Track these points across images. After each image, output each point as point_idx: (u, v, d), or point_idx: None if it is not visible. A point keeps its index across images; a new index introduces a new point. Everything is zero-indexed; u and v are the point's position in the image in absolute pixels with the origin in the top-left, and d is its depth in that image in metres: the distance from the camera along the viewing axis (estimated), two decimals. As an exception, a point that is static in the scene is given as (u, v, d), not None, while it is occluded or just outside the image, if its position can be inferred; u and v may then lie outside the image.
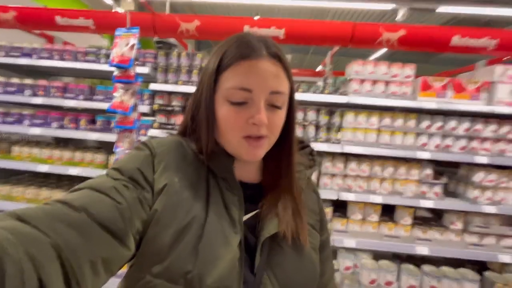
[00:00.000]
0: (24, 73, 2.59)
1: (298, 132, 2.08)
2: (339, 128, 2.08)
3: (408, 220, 2.01)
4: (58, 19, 2.26)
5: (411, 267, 1.94)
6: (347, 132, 2.04)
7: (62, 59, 2.22)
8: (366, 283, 1.90)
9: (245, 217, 0.58)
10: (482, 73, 2.14)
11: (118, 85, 1.66)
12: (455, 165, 2.23)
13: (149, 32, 2.28)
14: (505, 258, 1.89)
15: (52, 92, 2.23)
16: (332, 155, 2.11)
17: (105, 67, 2.13)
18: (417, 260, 2.07)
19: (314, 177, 2.06)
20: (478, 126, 1.98)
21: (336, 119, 2.09)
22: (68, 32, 2.41)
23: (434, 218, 2.19)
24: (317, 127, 2.11)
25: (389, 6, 3.91)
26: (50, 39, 3.26)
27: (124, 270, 0.55)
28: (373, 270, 1.89)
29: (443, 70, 5.34)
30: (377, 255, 2.07)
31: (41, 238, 0.37)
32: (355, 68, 2.07)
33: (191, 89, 1.92)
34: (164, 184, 0.54)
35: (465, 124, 1.98)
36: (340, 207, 2.14)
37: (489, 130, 1.97)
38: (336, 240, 1.97)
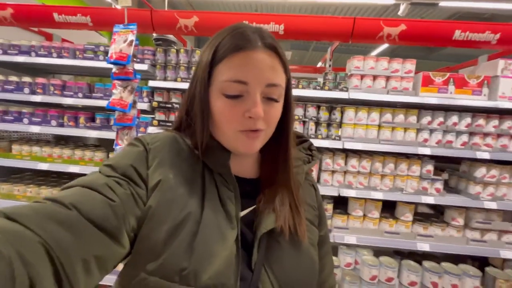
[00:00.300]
0: (22, 71, 2.58)
1: (299, 128, 2.08)
2: (340, 124, 2.07)
3: (409, 216, 2.00)
4: (56, 16, 2.24)
5: (412, 263, 1.93)
6: (348, 128, 2.03)
7: (60, 56, 2.21)
8: (367, 280, 1.89)
9: (242, 213, 0.57)
10: (484, 67, 2.12)
11: (117, 82, 1.65)
12: (457, 161, 2.22)
13: (147, 29, 2.26)
14: (506, 254, 1.88)
15: (51, 90, 2.22)
16: (333, 151, 2.10)
17: (103, 64, 2.13)
18: (418, 256, 2.06)
19: (314, 173, 2.05)
20: (480, 122, 1.96)
21: (336, 115, 2.08)
22: (66, 30, 2.39)
23: (435, 214, 2.18)
24: (318, 123, 2.10)
25: (391, 1, 3.88)
26: (49, 37, 3.24)
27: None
28: (374, 267, 1.89)
29: (444, 66, 5.31)
30: (378, 252, 2.06)
31: (30, 236, 0.36)
32: (355, 64, 2.06)
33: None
34: (158, 180, 0.53)
35: (467, 120, 1.96)
36: (341, 203, 2.13)
37: (491, 125, 1.96)
38: (336, 236, 1.96)
